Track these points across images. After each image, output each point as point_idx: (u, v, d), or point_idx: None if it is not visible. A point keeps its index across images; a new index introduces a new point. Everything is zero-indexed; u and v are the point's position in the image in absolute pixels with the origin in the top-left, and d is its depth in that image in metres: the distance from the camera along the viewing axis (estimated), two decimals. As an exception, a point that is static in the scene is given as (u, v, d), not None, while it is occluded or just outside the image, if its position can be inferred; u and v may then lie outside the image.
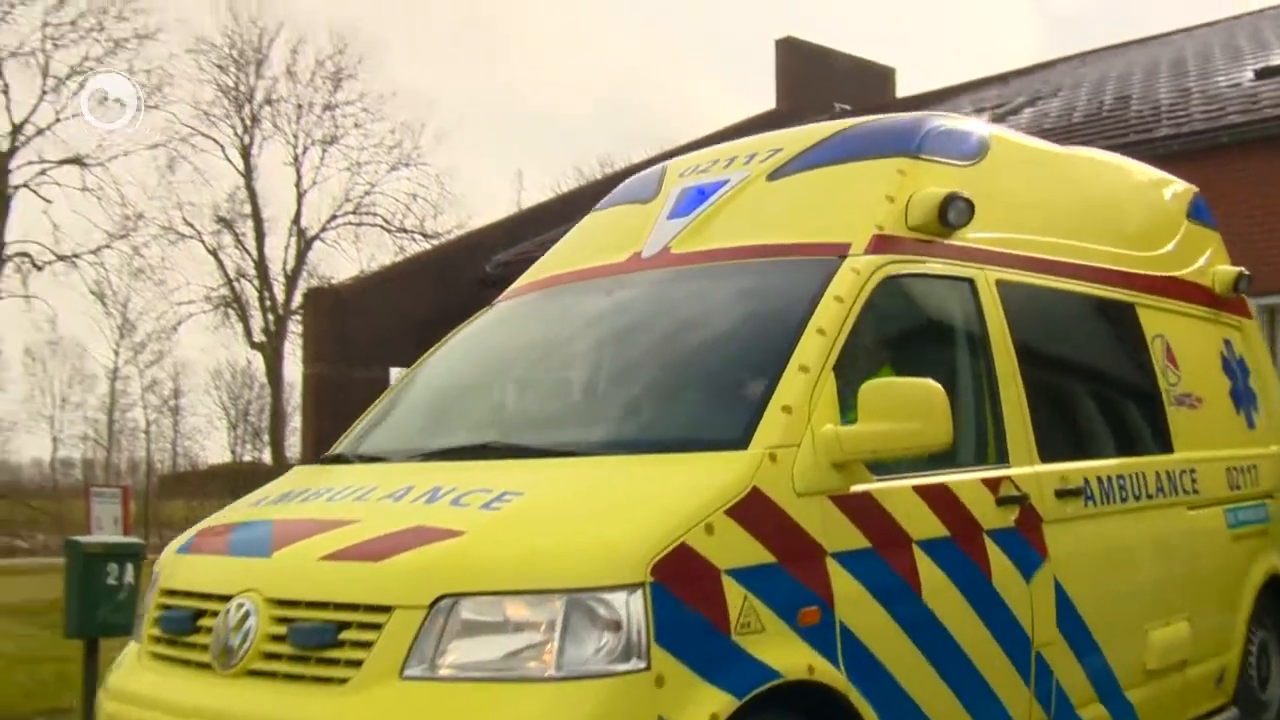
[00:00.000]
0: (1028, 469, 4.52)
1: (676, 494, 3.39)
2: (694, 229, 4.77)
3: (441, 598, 3.14)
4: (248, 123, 38.53)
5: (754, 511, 3.44)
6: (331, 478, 4.20)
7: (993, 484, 4.33)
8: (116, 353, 43.72)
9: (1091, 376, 5.44)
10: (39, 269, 36.29)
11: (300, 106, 38.87)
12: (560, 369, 4.72)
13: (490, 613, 3.14)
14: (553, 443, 4.02)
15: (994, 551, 4.24)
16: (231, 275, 38.46)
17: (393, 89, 58.12)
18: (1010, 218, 5.01)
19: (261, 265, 38.52)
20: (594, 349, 4.64)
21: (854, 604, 3.64)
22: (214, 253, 38.25)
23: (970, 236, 4.66)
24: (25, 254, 35.99)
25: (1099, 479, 4.90)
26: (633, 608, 3.10)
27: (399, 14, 66.57)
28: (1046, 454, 4.65)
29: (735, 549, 3.36)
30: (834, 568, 3.62)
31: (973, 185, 4.73)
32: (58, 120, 35.60)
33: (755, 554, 3.41)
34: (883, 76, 25.59)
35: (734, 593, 3.32)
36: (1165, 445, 5.54)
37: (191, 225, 38.11)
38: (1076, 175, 5.73)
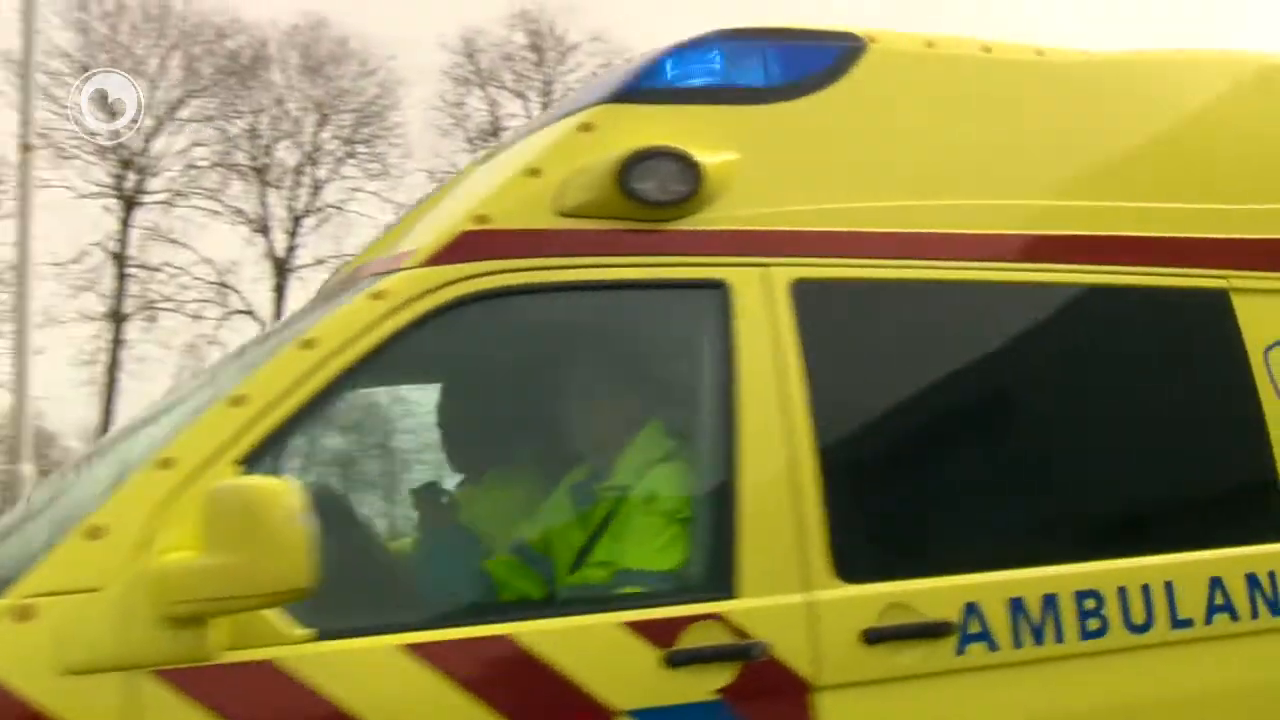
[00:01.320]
0: (785, 598, 2.66)
1: None
2: (382, 240, 3.51)
3: None
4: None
5: None
6: None
7: (660, 629, 2.57)
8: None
9: (1067, 419, 3.13)
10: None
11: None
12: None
13: None
14: None
15: None
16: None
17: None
18: (892, 174, 3.11)
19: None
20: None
21: None
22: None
23: (758, 213, 2.93)
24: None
25: (1018, 602, 2.81)
26: None
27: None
28: (870, 566, 2.76)
29: None
30: None
31: (792, 130, 3.08)
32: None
33: None
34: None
35: None
36: (1270, 525, 3.22)
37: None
38: (1096, 93, 3.46)
